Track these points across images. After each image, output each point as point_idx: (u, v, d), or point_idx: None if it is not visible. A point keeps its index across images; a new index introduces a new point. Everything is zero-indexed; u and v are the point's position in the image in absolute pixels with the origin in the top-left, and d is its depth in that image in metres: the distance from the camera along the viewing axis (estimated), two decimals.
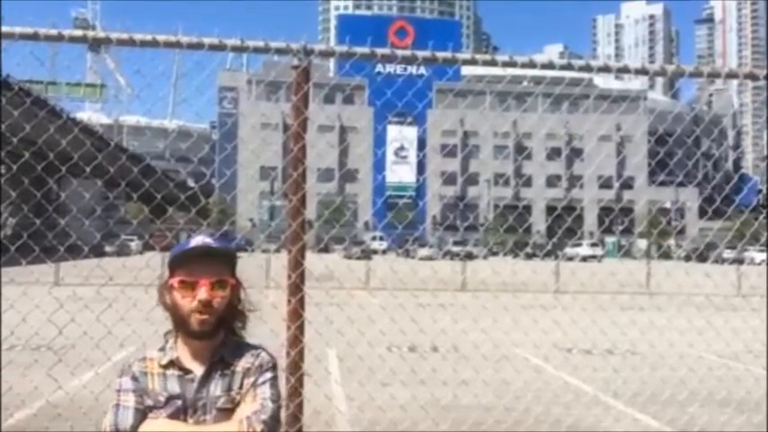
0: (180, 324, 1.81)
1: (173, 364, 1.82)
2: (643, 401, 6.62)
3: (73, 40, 3.17)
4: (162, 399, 1.79)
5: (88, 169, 4.31)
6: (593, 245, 57.93)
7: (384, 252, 52.44)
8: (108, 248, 34.05)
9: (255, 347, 1.91)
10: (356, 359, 6.80)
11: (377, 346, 8.48)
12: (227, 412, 1.80)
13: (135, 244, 42.25)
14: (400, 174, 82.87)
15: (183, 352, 1.83)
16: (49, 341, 5.64)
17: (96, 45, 3.54)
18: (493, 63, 3.66)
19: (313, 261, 3.60)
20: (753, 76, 4.05)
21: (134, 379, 1.80)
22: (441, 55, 3.54)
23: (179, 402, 1.78)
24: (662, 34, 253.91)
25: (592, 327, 8.38)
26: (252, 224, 64.47)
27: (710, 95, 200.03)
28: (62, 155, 4.47)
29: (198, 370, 1.82)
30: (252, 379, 1.84)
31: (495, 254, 49.22)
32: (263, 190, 70.53)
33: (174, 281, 1.80)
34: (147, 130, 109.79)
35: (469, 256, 34.08)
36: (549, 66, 3.83)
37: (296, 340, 3.26)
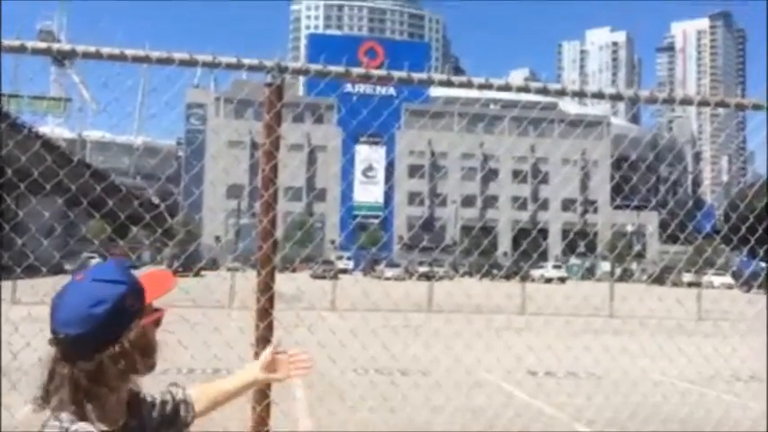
0: (144, 366, 1.50)
1: None
2: (617, 429, 6.56)
3: (36, 52, 3.03)
4: None
5: (48, 187, 4.15)
6: (557, 266, 58.62)
7: (351, 272, 52.30)
8: (68, 266, 33.20)
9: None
10: (326, 385, 6.64)
11: (347, 372, 8.31)
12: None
13: (95, 261, 41.35)
14: (368, 194, 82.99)
15: (104, 413, 1.46)
16: (5, 365, 5.38)
17: (61, 58, 3.42)
18: (468, 85, 3.61)
19: (281, 281, 3.48)
20: (723, 104, 4.10)
21: None
22: (416, 76, 3.48)
23: None
24: (625, 61, 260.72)
25: (564, 351, 8.34)
26: (218, 243, 63.72)
27: (670, 121, 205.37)
28: (21, 171, 4.30)
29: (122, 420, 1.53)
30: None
31: (462, 275, 49.41)
32: (231, 208, 69.88)
33: (156, 317, 1.55)
34: (112, 145, 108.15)
35: (437, 277, 34.07)
36: (525, 89, 3.81)
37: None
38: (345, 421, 6.45)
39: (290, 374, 1.89)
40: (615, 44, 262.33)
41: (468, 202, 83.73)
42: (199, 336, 3.16)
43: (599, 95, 4.07)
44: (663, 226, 76.06)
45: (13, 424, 4.96)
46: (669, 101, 3.98)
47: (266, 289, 3.14)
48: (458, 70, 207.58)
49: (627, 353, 8.66)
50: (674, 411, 6.82)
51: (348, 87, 70.97)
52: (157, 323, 1.56)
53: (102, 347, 1.42)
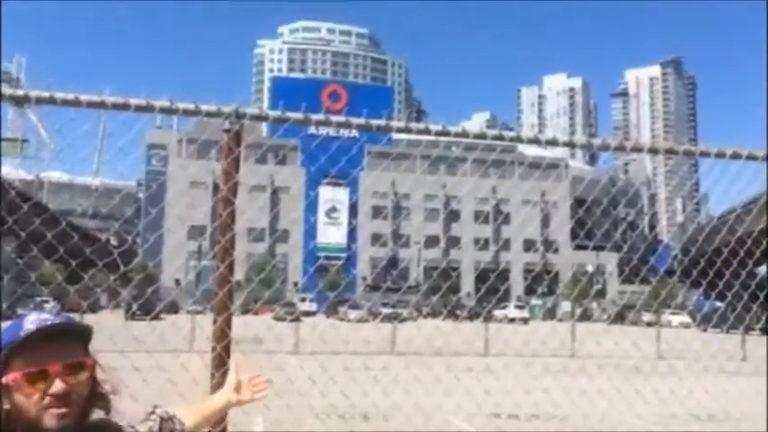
0: (28, 431, 1.40)
1: None
2: None
3: None
4: None
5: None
6: (520, 307, 58.87)
7: (314, 314, 51.75)
8: (20, 311, 32.17)
9: (104, 420, 1.58)
10: None
11: (307, 418, 8.12)
12: None
13: (51, 306, 40.07)
14: (332, 235, 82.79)
15: None
16: None
17: (14, 103, 3.36)
18: (426, 132, 3.66)
19: (242, 324, 3.39)
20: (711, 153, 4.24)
21: None
22: (375, 122, 3.50)
23: None
24: (581, 105, 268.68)
25: (524, 394, 8.32)
26: (178, 286, 62.53)
27: (626, 164, 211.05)
28: None
29: None
30: None
31: (425, 316, 49.30)
32: (192, 250, 68.82)
33: (15, 376, 1.40)
34: (70, 187, 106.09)
35: (400, 318, 33.87)
36: (481, 136, 3.88)
37: (219, 419, 3.04)
38: None
39: (252, 397, 2.00)
40: (572, 89, 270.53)
41: (431, 242, 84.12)
42: (151, 387, 3.07)
43: (553, 143, 4.17)
44: (621, 266, 77.46)
45: None
46: (620, 148, 4.10)
47: (222, 336, 3.07)
48: (421, 113, 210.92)
49: (586, 395, 8.65)
50: None
51: (312, 129, 71.37)
52: (31, 383, 1.41)
53: None
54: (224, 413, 2.07)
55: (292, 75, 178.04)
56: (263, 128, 72.37)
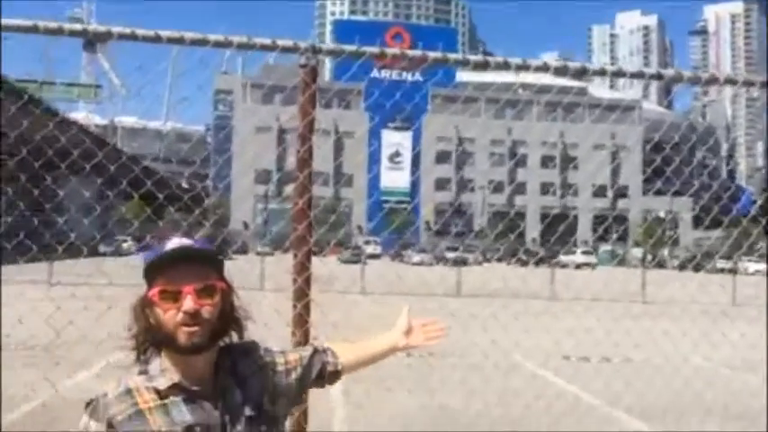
0: (166, 342, 1.56)
1: (176, 387, 1.56)
2: (655, 414, 6.45)
3: (73, 34, 3.05)
4: None
5: (87, 167, 4.22)
6: (587, 252, 57.91)
7: (378, 256, 52.45)
8: (103, 248, 33.90)
9: (254, 343, 1.71)
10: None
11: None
12: (256, 420, 1.62)
13: (128, 244, 41.97)
14: (395, 179, 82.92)
15: (177, 372, 1.57)
16: (46, 342, 5.50)
17: (92, 43, 3.42)
18: (506, 66, 3.54)
19: (313, 264, 3.48)
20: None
21: (110, 426, 1.51)
22: (452, 56, 3.42)
23: (198, 430, 1.54)
24: (656, 44, 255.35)
25: (603, 335, 8.20)
26: (245, 227, 64.45)
27: (704, 106, 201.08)
28: (60, 152, 4.37)
29: (207, 388, 1.58)
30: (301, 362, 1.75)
31: (489, 260, 49.20)
32: (259, 193, 70.47)
33: (154, 292, 1.55)
34: (143, 131, 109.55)
35: (464, 262, 33.89)
36: (564, 69, 3.72)
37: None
38: (381, 402, 6.46)
39: (424, 341, 1.94)
40: (646, 27, 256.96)
41: (496, 188, 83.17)
42: None
43: (639, 75, 3.94)
44: (697, 212, 74.70)
45: (55, 396, 5.07)
46: (712, 81, 3.84)
47: (302, 270, 3.15)
48: (486, 55, 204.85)
49: (668, 337, 8.44)
50: (715, 398, 6.67)
51: (375, 73, 70.72)
52: (158, 300, 1.55)
53: None
54: (385, 356, 1.96)
55: (354, 17, 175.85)
56: (326, 73, 72.33)
